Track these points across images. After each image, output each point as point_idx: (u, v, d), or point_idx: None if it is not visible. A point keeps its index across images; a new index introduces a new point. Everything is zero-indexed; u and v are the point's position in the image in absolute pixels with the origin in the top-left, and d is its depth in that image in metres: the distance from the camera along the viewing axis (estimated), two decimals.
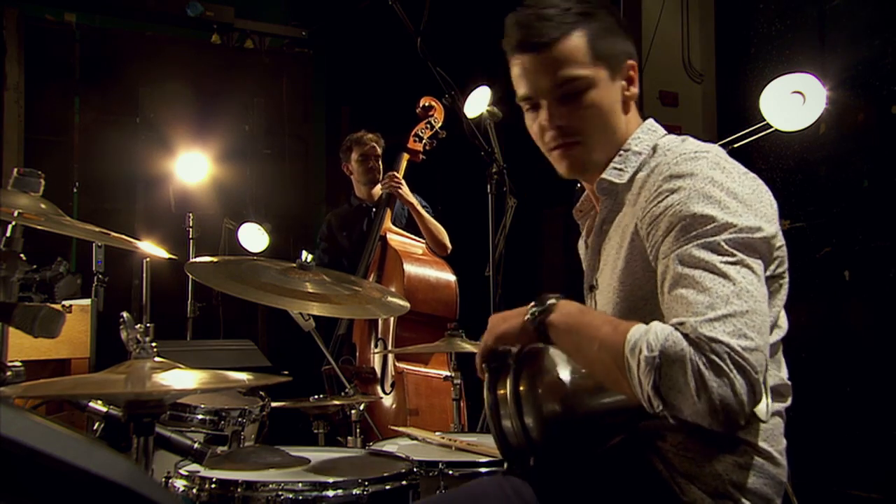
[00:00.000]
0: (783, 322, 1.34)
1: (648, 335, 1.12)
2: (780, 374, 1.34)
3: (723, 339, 1.08)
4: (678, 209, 1.21)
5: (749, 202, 1.23)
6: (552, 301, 1.26)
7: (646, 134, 1.42)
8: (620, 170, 1.39)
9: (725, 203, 1.20)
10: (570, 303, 1.27)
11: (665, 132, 1.44)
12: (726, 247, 1.16)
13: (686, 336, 1.10)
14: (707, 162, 1.25)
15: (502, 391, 1.28)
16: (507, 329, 1.31)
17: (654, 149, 1.38)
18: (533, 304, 1.28)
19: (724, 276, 1.14)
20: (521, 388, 1.27)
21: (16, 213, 1.57)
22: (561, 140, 1.39)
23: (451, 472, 1.79)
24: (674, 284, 1.18)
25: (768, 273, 1.26)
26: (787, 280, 1.33)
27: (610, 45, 1.37)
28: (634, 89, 1.42)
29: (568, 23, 1.34)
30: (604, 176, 1.40)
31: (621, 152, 1.40)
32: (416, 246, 3.77)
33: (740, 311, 1.11)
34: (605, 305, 1.39)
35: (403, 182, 3.76)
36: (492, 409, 1.29)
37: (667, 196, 1.24)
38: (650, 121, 1.45)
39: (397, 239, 3.75)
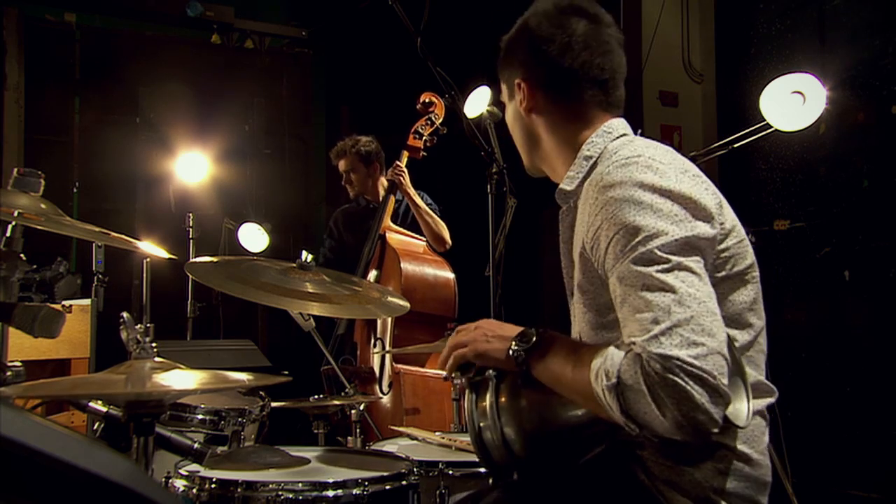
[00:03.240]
0: (755, 320, 1.32)
1: (606, 363, 1.13)
2: (756, 373, 1.33)
3: (671, 353, 1.08)
4: (612, 221, 1.21)
5: (684, 198, 1.21)
6: (535, 339, 1.27)
7: (599, 137, 1.41)
8: (572, 177, 1.41)
9: (657, 206, 1.19)
10: (550, 336, 1.27)
11: (621, 132, 1.42)
12: (660, 253, 1.15)
13: (638, 357, 1.10)
14: (637, 166, 1.24)
15: (483, 403, 1.29)
16: (489, 351, 1.31)
17: (603, 152, 1.38)
18: (515, 339, 1.28)
19: (663, 286, 1.13)
20: (502, 400, 1.27)
21: (16, 213, 1.57)
22: None
23: (451, 472, 1.79)
24: (622, 303, 1.18)
25: (724, 273, 1.26)
26: (755, 276, 1.32)
27: (507, 69, 1.50)
28: (527, 104, 1.46)
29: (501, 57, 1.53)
30: (560, 185, 1.44)
31: (576, 159, 1.42)
32: (416, 245, 3.76)
33: (684, 318, 1.10)
34: (580, 313, 1.41)
35: (406, 172, 3.75)
36: (473, 421, 1.29)
37: (601, 208, 1.24)
38: (610, 122, 1.43)
39: (396, 237, 3.74)
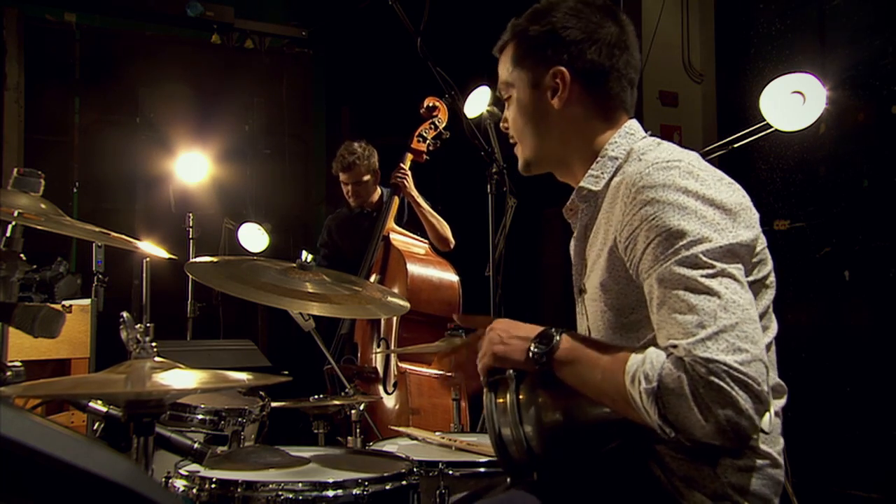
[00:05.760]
0: (771, 323, 1.33)
1: (645, 365, 1.13)
2: (774, 375, 1.34)
3: (719, 358, 1.08)
4: (653, 223, 1.20)
5: (726, 208, 1.21)
6: (556, 339, 1.26)
7: (623, 138, 1.41)
8: (597, 176, 1.40)
9: (701, 213, 1.19)
10: (572, 336, 1.27)
11: (644, 134, 1.42)
12: (705, 259, 1.16)
13: (681, 360, 1.10)
14: (679, 171, 1.23)
15: (502, 402, 1.28)
16: (506, 353, 1.30)
17: (630, 153, 1.38)
18: (535, 340, 1.27)
19: (708, 290, 1.13)
20: (521, 398, 1.27)
21: (16, 213, 1.57)
22: (510, 139, 1.54)
23: (451, 472, 1.79)
24: (660, 304, 1.18)
25: (752, 278, 1.26)
26: (772, 281, 1.32)
27: (533, 53, 1.43)
28: (563, 95, 1.41)
29: (508, 34, 1.48)
30: (582, 184, 1.42)
31: (598, 158, 1.41)
32: (420, 246, 3.77)
33: (730, 324, 1.11)
34: (594, 312, 1.40)
35: (410, 175, 3.76)
36: (492, 420, 1.28)
37: (640, 208, 1.23)
38: (630, 123, 1.44)
39: (400, 239, 3.74)
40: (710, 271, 1.15)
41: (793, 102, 2.13)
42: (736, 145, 2.27)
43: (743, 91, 4.28)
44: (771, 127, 2.18)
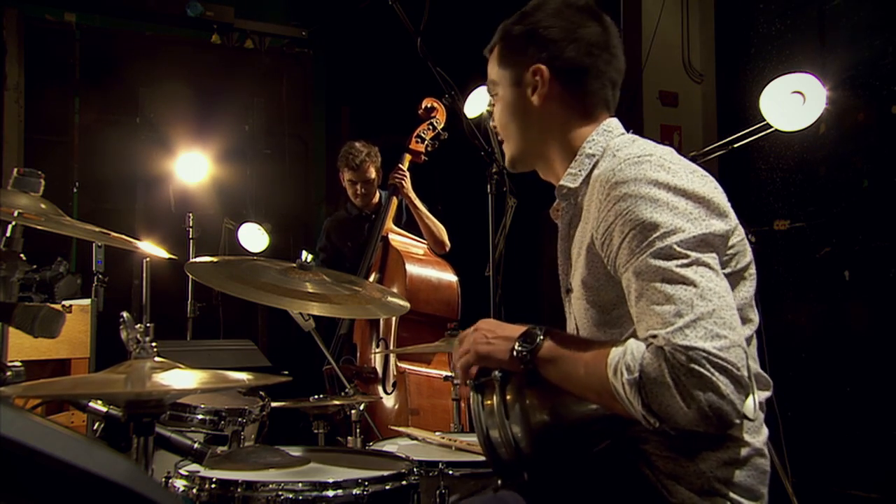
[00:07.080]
0: (753, 316, 1.34)
1: (626, 357, 1.14)
2: (756, 366, 1.35)
3: (697, 344, 1.09)
4: (627, 217, 1.22)
5: (698, 198, 1.23)
6: (540, 338, 1.27)
7: (600, 135, 1.43)
8: (575, 174, 1.42)
9: (673, 204, 1.21)
10: (555, 335, 1.28)
11: (622, 132, 1.44)
12: (679, 249, 1.17)
13: (661, 349, 1.11)
14: (651, 165, 1.25)
15: (489, 403, 1.29)
16: (491, 353, 1.31)
17: (605, 150, 1.40)
18: (519, 339, 1.28)
19: (684, 280, 1.15)
20: (508, 399, 1.28)
21: (16, 213, 1.57)
22: (498, 137, 1.57)
23: (451, 472, 1.79)
24: (638, 297, 1.19)
25: (730, 269, 1.27)
26: (752, 273, 1.33)
27: (515, 53, 1.47)
28: (542, 91, 1.43)
29: (497, 35, 1.51)
30: (561, 182, 1.44)
31: (577, 156, 1.43)
32: (418, 246, 3.77)
33: (707, 311, 1.12)
34: (579, 310, 1.41)
35: (408, 175, 3.76)
36: (479, 421, 1.29)
37: (614, 204, 1.25)
38: (608, 121, 1.45)
39: (399, 239, 3.75)
40: (685, 261, 1.16)
41: (793, 102, 2.14)
42: (736, 145, 2.28)
43: (743, 91, 4.28)
44: (771, 127, 2.18)
